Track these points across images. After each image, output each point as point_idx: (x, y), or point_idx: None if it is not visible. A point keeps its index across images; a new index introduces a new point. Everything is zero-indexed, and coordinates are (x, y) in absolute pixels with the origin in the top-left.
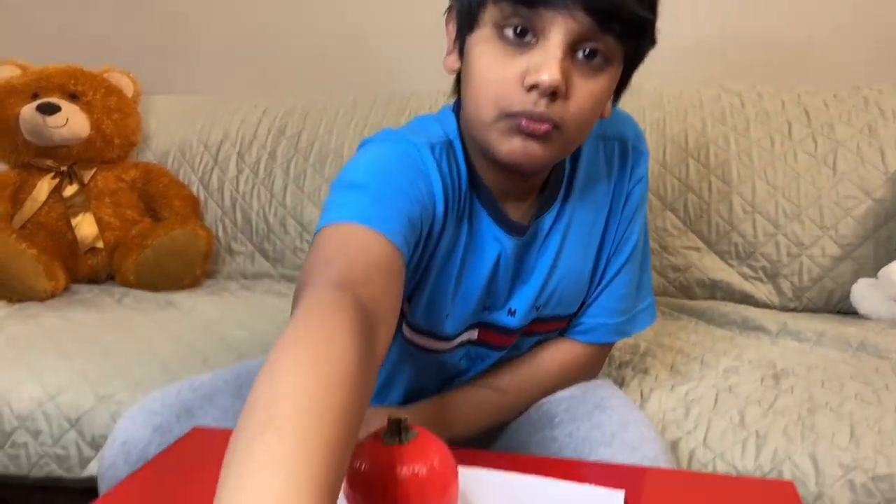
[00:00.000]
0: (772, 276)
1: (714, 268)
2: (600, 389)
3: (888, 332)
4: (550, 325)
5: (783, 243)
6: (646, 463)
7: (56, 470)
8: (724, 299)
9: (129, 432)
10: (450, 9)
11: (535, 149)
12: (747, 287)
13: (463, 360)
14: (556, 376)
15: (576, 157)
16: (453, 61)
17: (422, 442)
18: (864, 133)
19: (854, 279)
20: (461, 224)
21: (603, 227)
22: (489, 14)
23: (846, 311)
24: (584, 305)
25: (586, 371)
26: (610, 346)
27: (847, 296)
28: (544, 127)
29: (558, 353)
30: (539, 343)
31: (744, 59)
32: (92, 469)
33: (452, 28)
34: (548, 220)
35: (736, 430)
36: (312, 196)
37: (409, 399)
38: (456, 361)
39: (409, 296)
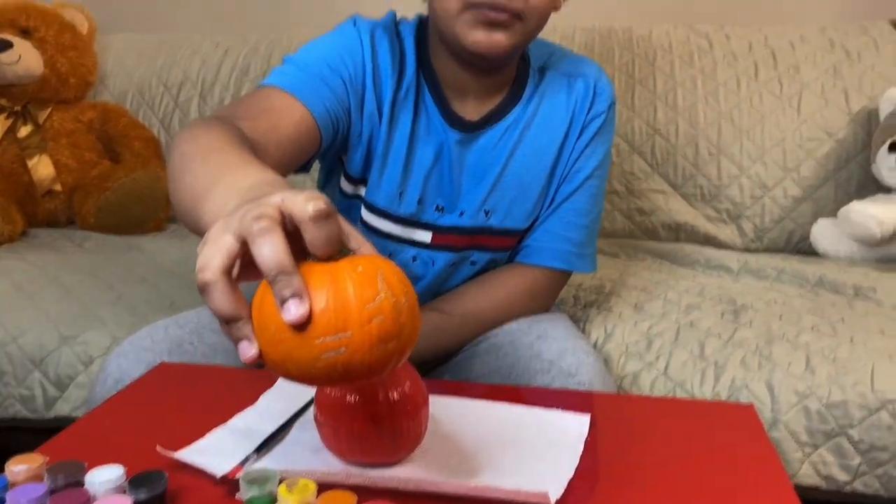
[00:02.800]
0: (735, 218)
1: (679, 210)
2: (545, 321)
3: (845, 269)
4: (500, 239)
5: (746, 185)
6: (582, 388)
7: (21, 411)
8: (688, 241)
9: (122, 370)
10: None
11: (498, 37)
12: (711, 228)
13: (417, 263)
14: (502, 302)
15: (540, 74)
16: None
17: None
18: (829, 74)
19: (814, 220)
20: (408, 107)
21: (557, 150)
22: None
23: (806, 251)
24: (532, 227)
25: (534, 299)
26: (559, 275)
27: (807, 236)
28: (505, 16)
29: (504, 278)
30: (487, 270)
31: None
32: (59, 409)
33: None
34: (502, 124)
35: (696, 361)
36: None
37: None
38: (409, 260)
39: (364, 172)
